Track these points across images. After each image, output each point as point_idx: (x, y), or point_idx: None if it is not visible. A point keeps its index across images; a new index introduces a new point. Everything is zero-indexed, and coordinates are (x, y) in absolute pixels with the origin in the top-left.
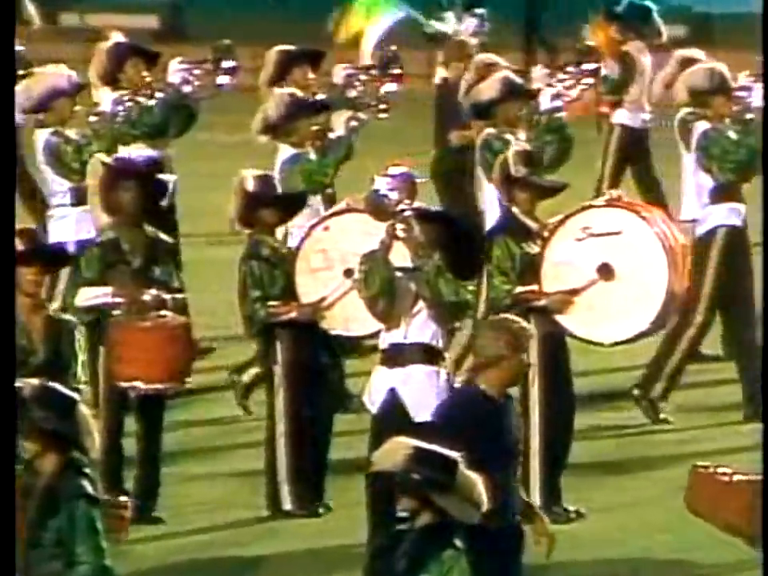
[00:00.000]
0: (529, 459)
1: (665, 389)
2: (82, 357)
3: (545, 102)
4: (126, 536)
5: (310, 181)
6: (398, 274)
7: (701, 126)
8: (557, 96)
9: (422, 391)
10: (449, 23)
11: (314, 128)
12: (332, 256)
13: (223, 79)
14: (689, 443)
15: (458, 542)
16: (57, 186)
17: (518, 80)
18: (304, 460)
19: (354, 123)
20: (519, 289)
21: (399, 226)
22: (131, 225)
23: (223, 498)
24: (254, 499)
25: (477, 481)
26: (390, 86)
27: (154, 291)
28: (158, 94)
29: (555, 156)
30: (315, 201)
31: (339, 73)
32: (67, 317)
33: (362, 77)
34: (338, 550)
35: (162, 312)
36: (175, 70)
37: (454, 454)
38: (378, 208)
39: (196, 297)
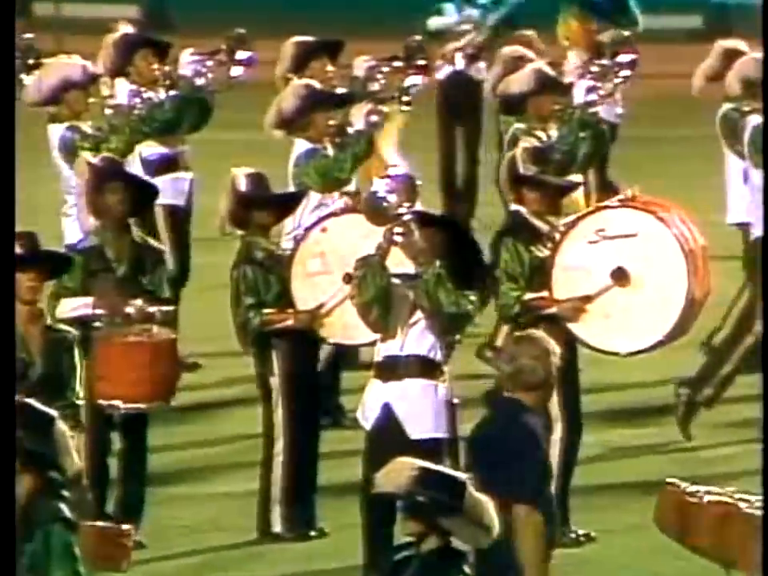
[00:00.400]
0: None
1: (711, 396)
2: (80, 371)
3: (579, 95)
4: (127, 565)
5: (326, 177)
6: (395, 281)
7: (753, 120)
8: (592, 89)
9: (419, 407)
10: (450, 17)
11: (332, 122)
12: (330, 260)
13: (238, 71)
14: (709, 463)
15: (466, 568)
16: (74, 183)
17: (551, 72)
18: (300, 480)
19: (374, 117)
20: (529, 295)
21: (398, 231)
22: (117, 229)
23: (209, 520)
24: (240, 522)
25: (487, 503)
26: (414, 79)
27: (139, 302)
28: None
29: (589, 152)
30: (331, 199)
31: (361, 65)
32: (66, 328)
33: (385, 69)
34: (331, 573)
35: (147, 326)
36: (187, 62)
37: (462, 476)
38: (376, 211)
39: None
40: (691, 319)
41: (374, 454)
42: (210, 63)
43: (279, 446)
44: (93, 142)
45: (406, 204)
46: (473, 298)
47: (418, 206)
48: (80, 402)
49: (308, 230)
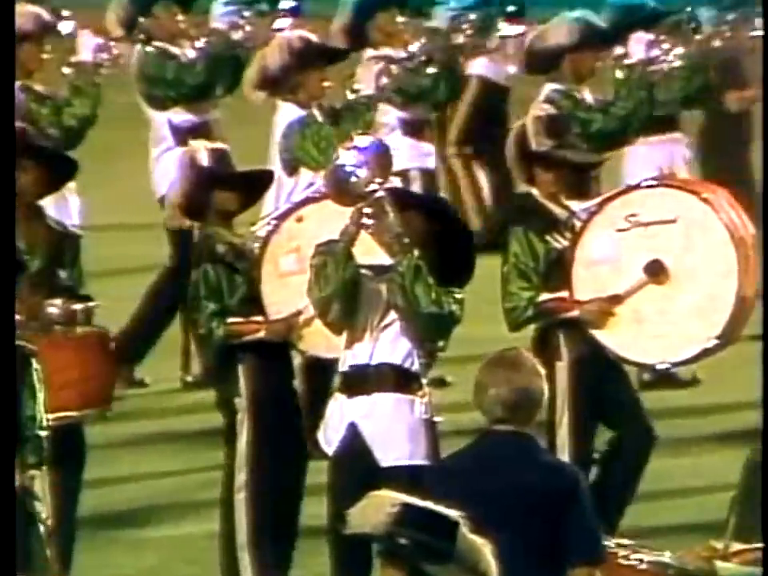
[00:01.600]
0: None
1: None
2: (41, 392)
3: (637, 50)
4: None
5: (327, 152)
6: (364, 272)
7: None
8: (654, 44)
9: (390, 427)
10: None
11: (327, 84)
12: (307, 256)
13: (283, 22)
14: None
15: None
16: None
17: (597, 22)
18: (271, 520)
19: (386, 79)
20: (544, 296)
21: (367, 212)
22: (29, 216)
23: (152, 569)
24: (191, 570)
25: (483, 547)
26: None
27: (59, 301)
28: (199, 44)
29: (640, 124)
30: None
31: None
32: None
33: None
34: None
35: (71, 328)
36: (221, 13)
37: (454, 513)
38: (341, 188)
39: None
40: (742, 322)
41: (339, 486)
42: (247, 14)
43: (242, 478)
44: (51, 106)
45: (379, 180)
46: (459, 296)
47: (394, 183)
48: (43, 433)
49: (280, 219)
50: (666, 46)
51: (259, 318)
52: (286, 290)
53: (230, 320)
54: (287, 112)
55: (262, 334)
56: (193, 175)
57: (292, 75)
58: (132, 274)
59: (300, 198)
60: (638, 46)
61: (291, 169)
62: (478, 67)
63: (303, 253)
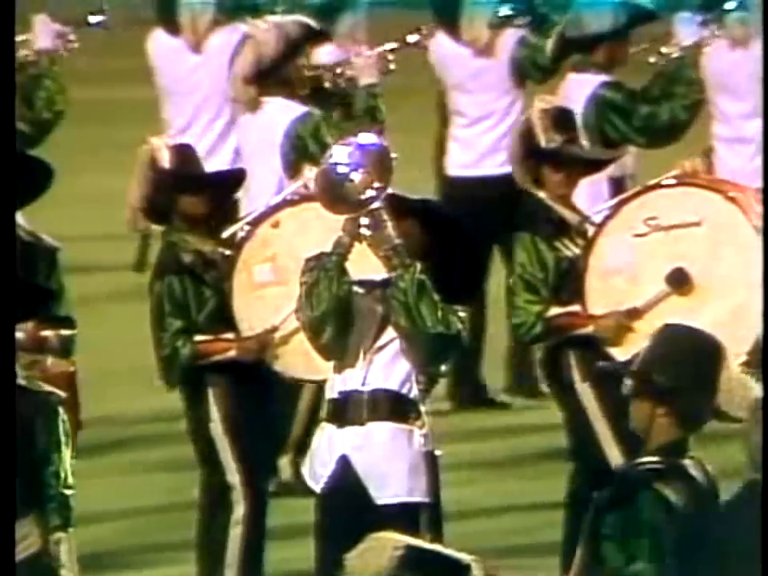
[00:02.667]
0: None
1: None
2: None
3: (686, 32)
4: None
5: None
6: (358, 290)
7: None
8: (704, 24)
9: (386, 460)
10: None
11: (310, 73)
12: (284, 265)
13: None
14: None
15: None
16: None
17: (647, 5)
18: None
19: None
20: (554, 310)
21: (365, 221)
22: None
23: None
24: None
25: None
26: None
27: (29, 325)
28: None
29: (684, 117)
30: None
31: None
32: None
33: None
34: None
35: (40, 357)
36: None
37: (465, 557)
38: (334, 193)
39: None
40: None
41: (329, 526)
42: None
43: (239, 512)
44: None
45: (377, 185)
46: (463, 315)
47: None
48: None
49: (254, 225)
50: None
51: (230, 336)
52: (261, 303)
53: (198, 338)
54: (279, 108)
55: (233, 354)
56: (152, 177)
57: (285, 64)
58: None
59: (276, 201)
60: (686, 27)
61: (293, 171)
62: None
63: (280, 262)
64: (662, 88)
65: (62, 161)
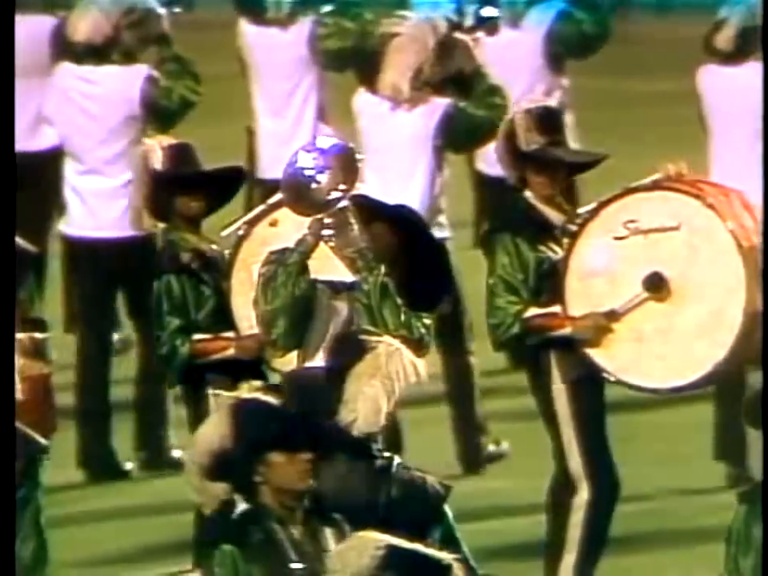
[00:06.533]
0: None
1: None
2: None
3: None
4: None
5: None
6: (321, 288)
7: None
8: None
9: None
10: None
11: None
12: None
13: None
14: None
15: None
16: None
17: None
18: None
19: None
20: (533, 311)
21: (329, 223)
22: None
23: None
24: None
25: None
26: None
27: None
28: None
29: None
30: None
31: None
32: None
33: None
34: None
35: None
36: None
37: (446, 556)
38: (299, 196)
39: None
40: (752, 342)
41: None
42: None
43: None
44: None
45: (342, 186)
46: (427, 321)
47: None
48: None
49: (252, 224)
50: None
51: (229, 334)
52: None
53: (196, 337)
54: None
55: (232, 352)
56: (148, 178)
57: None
58: None
59: (274, 200)
60: None
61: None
62: None
63: None
64: None
65: None
